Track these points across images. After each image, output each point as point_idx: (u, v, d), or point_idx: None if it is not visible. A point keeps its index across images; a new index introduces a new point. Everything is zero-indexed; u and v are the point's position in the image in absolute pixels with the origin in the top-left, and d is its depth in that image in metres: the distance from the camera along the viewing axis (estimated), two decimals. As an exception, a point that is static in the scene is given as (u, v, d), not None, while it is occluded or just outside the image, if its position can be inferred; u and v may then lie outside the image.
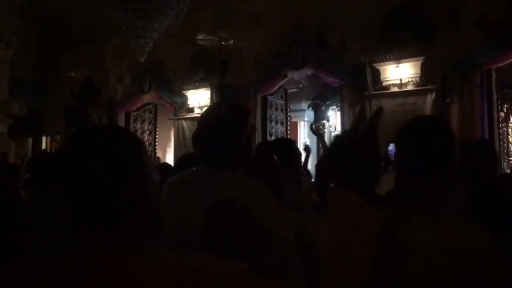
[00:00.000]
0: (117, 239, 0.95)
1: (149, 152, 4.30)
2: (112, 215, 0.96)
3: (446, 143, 1.51)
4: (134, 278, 0.88)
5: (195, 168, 1.91)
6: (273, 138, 9.25)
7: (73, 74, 12.17)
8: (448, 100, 7.37)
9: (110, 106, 11.38)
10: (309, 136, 12.88)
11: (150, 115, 11.68)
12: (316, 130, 5.41)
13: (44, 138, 13.03)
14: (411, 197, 1.48)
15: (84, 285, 0.88)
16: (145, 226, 1.01)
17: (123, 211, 0.97)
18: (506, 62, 7.06)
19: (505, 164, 7.34)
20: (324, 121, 12.05)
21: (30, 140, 12.86)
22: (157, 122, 11.60)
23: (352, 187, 1.10)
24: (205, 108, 9.79)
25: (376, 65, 7.96)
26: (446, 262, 1.30)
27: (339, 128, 10.13)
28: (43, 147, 12.92)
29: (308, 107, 12.21)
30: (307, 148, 5.82)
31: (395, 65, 7.76)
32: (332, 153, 1.17)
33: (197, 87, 10.12)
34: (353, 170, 1.11)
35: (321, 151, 11.25)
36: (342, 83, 8.46)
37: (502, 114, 7.84)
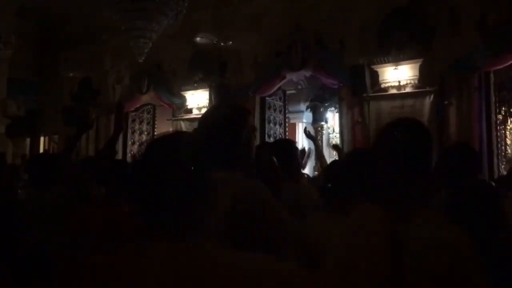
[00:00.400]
0: (191, 239, 1.00)
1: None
2: (187, 214, 1.02)
3: (422, 145, 1.52)
4: (206, 275, 0.92)
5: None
6: (271, 139, 9.26)
7: (71, 74, 12.16)
8: (446, 102, 7.39)
9: (119, 106, 11.35)
10: (307, 138, 12.88)
11: (148, 116, 11.67)
12: (309, 133, 5.39)
13: (42, 138, 13.01)
14: (391, 198, 1.50)
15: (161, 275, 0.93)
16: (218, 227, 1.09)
17: (198, 211, 1.04)
18: (504, 65, 7.09)
19: (502, 166, 7.35)
20: (323, 123, 12.07)
21: (28, 140, 12.84)
22: (156, 122, 11.58)
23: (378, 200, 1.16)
24: (203, 109, 9.86)
25: (374, 67, 7.98)
26: (433, 260, 1.32)
27: (337, 130, 10.13)
28: (41, 147, 12.90)
29: (307, 108, 12.22)
30: (303, 151, 5.82)
31: (394, 67, 7.77)
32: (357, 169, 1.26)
33: (195, 88, 10.12)
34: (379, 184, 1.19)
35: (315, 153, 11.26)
36: (341, 84, 8.47)
37: (500, 116, 7.86)
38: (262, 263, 0.96)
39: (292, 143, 3.12)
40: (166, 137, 1.14)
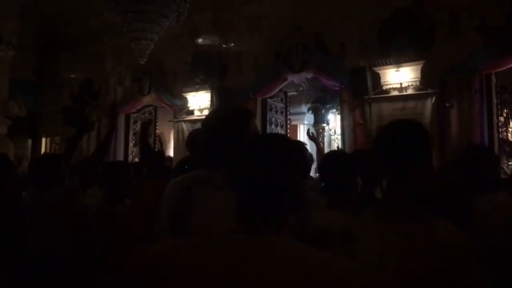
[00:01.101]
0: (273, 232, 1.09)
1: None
2: (273, 210, 1.11)
3: (419, 145, 1.54)
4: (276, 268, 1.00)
5: (195, 170, 1.89)
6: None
7: (72, 75, 12.18)
8: (447, 104, 7.38)
9: (113, 107, 11.38)
10: (309, 139, 12.88)
11: (149, 117, 11.67)
12: (312, 135, 5.42)
13: (43, 139, 13.02)
14: (388, 198, 1.54)
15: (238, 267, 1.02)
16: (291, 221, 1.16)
17: (283, 208, 1.13)
18: (506, 67, 7.07)
19: (504, 168, 7.33)
20: (324, 124, 12.07)
21: (29, 141, 12.85)
22: (157, 124, 11.59)
23: None
24: (205, 111, 9.87)
25: (376, 69, 7.97)
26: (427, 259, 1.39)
27: (339, 132, 10.12)
28: (42, 148, 12.91)
29: (308, 110, 12.22)
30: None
31: (395, 69, 7.76)
32: None
33: (197, 90, 10.12)
34: None
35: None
36: (342, 86, 8.47)
37: (501, 118, 7.83)
38: (326, 259, 1.04)
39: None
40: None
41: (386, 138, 1.57)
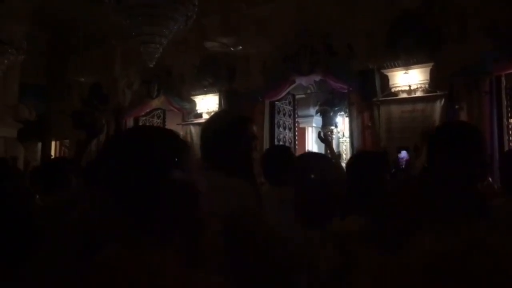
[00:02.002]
0: (142, 242, 0.94)
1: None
2: (140, 217, 0.96)
3: (477, 149, 1.47)
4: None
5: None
6: (281, 143, 9.24)
7: (82, 79, 12.25)
8: (457, 106, 7.34)
9: (118, 112, 11.44)
10: (316, 142, 12.85)
11: (158, 120, 11.73)
12: (324, 137, 5.41)
13: (53, 143, 13.12)
14: (444, 205, 1.44)
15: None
16: (176, 230, 1.00)
17: (152, 214, 0.96)
18: (515, 69, 7.03)
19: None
20: (332, 127, 12.02)
21: (39, 145, 12.95)
22: (165, 127, 11.63)
23: None
24: (213, 113, 9.88)
25: (384, 71, 7.95)
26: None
27: (347, 134, 10.09)
28: (52, 151, 13.00)
29: (316, 112, 12.18)
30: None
31: (404, 71, 7.73)
32: None
33: (205, 93, 10.15)
34: None
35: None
36: (350, 89, 8.45)
37: (511, 121, 7.77)
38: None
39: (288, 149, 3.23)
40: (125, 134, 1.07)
41: (446, 142, 1.49)
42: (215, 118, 2.04)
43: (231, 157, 1.75)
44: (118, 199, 0.97)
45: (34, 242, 1.60)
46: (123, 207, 0.96)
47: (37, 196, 3.29)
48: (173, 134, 1.06)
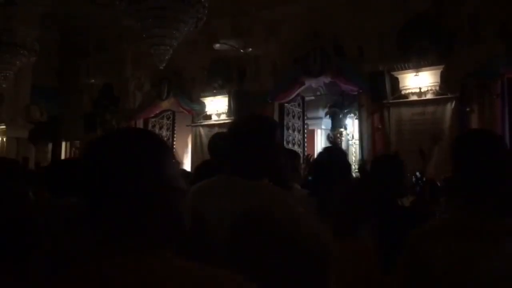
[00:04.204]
0: (133, 247, 0.92)
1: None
2: (127, 222, 0.93)
3: (504, 159, 1.47)
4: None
5: (217, 176, 1.90)
6: (290, 145, 9.24)
7: (92, 80, 12.35)
8: (468, 109, 7.29)
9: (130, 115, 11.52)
10: (326, 144, 12.81)
11: (168, 122, 11.78)
12: (334, 139, 5.42)
13: (63, 144, 13.22)
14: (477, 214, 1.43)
15: None
16: (166, 234, 0.98)
17: (140, 219, 0.93)
18: (528, 71, 6.96)
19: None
20: (342, 129, 11.97)
21: (50, 146, 13.06)
22: (175, 128, 11.68)
23: None
24: (222, 115, 9.90)
25: (395, 73, 7.91)
26: None
27: (356, 136, 10.05)
28: (63, 152, 13.10)
29: (326, 115, 12.14)
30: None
31: (414, 73, 7.69)
32: None
33: (215, 94, 10.17)
34: None
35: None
36: (360, 91, 8.42)
37: (523, 123, 7.69)
38: (210, 274, 0.91)
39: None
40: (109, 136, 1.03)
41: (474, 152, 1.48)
42: (244, 121, 2.01)
43: (260, 160, 1.75)
44: (98, 203, 0.94)
45: (28, 241, 1.61)
46: (108, 212, 0.94)
47: (48, 197, 3.30)
48: (155, 136, 1.05)
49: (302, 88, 9.31)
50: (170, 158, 1.01)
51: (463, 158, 1.49)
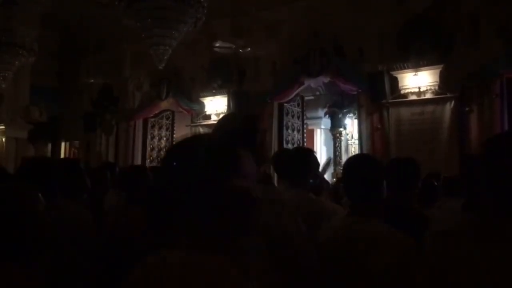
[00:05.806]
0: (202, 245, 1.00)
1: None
2: (200, 223, 1.01)
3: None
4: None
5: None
6: (289, 145, 9.24)
7: (92, 80, 12.34)
8: (467, 109, 7.29)
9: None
10: (325, 144, 12.83)
11: (167, 122, 11.79)
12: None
13: (63, 144, 13.22)
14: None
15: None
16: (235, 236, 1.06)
17: (212, 221, 1.01)
18: (527, 71, 6.96)
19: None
20: (341, 129, 11.99)
21: (49, 146, 13.06)
22: (174, 128, 11.69)
23: None
24: (222, 115, 9.89)
25: (394, 73, 7.91)
26: None
27: (356, 136, 10.06)
28: (62, 152, 13.10)
29: (325, 114, 12.16)
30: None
31: (414, 73, 7.70)
32: None
33: (214, 94, 10.18)
34: None
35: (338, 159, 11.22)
36: (359, 91, 8.42)
37: (523, 123, 7.70)
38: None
39: (311, 151, 3.10)
40: (184, 142, 1.13)
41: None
42: (226, 120, 2.03)
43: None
44: (182, 205, 1.02)
45: (34, 240, 1.61)
46: (184, 214, 1.02)
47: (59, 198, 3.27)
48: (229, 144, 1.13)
49: (302, 88, 9.31)
50: (239, 165, 1.07)
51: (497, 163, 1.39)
